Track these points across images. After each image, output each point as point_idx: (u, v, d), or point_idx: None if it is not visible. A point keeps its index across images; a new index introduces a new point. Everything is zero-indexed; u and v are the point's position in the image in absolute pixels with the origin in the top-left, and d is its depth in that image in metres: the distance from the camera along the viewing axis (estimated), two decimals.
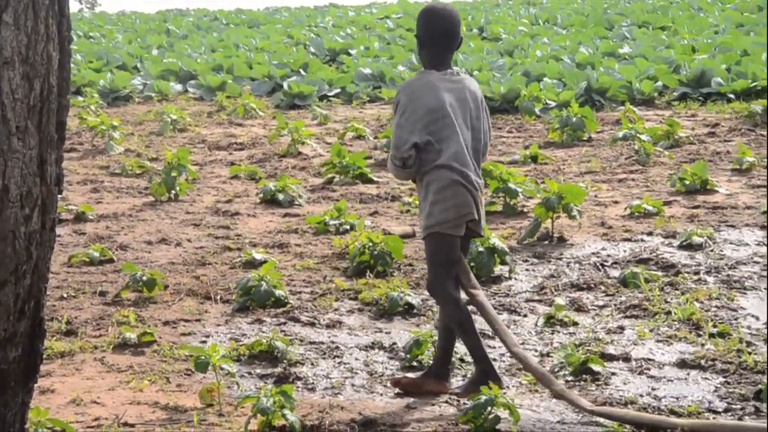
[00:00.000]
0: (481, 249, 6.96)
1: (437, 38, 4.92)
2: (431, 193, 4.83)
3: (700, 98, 16.00)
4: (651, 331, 5.86)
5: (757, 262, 7.19)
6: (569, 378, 5.21)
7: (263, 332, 5.99)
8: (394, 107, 4.91)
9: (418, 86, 4.88)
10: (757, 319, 6.03)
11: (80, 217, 9.07)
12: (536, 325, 6.09)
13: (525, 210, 8.90)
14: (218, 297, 6.74)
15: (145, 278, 6.72)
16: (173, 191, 9.89)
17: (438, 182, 4.81)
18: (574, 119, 12.54)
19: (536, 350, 5.68)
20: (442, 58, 4.93)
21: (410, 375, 5.22)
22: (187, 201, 9.88)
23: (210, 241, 8.31)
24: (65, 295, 6.80)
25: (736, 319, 6.01)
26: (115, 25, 34.06)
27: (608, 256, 7.51)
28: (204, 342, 5.87)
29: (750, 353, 5.42)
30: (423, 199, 4.89)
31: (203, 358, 5.06)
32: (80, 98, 17.10)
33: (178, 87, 19.31)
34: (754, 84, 15.97)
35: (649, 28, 25.41)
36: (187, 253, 7.96)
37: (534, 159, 11.29)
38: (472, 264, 6.94)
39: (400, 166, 4.84)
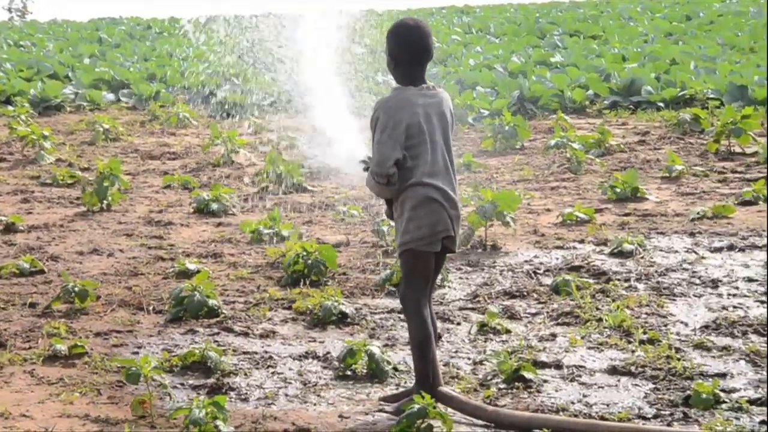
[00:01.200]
0: None
1: (411, 54, 4.89)
2: (407, 210, 4.81)
3: (631, 107, 16.20)
4: (582, 338, 5.91)
5: (686, 269, 7.29)
6: (502, 386, 5.24)
7: (196, 343, 5.95)
8: (372, 124, 4.86)
9: (395, 103, 4.84)
10: (686, 325, 6.11)
11: (10, 228, 8.95)
12: (469, 333, 6.11)
13: None
14: (151, 308, 6.68)
15: (76, 289, 6.65)
16: (105, 201, 9.80)
17: (413, 199, 4.80)
18: (507, 127, 12.64)
19: (469, 358, 5.71)
20: (417, 74, 4.91)
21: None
22: (120, 211, 9.79)
23: (143, 252, 8.25)
24: None
25: (665, 326, 6.09)
26: (46, 33, 33.65)
27: (541, 263, 7.58)
28: (136, 353, 5.82)
29: (679, 359, 5.49)
30: (399, 216, 4.87)
31: (135, 369, 5.02)
32: (10, 108, 16.88)
33: (111, 96, 19.14)
34: (683, 92, 16.20)
35: (580, 37, 25.68)
36: (120, 263, 7.89)
37: (467, 167, 11.35)
38: None
39: (384, 184, 4.81)
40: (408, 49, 4.88)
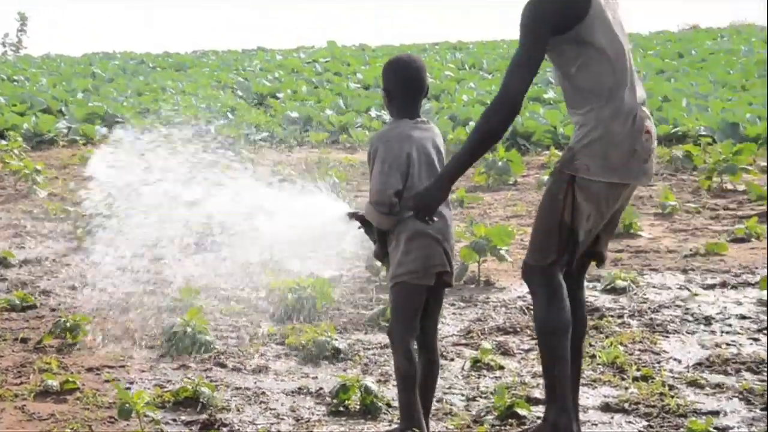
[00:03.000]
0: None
1: (407, 89, 4.90)
2: (402, 242, 4.82)
3: None
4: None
5: (679, 306, 7.30)
6: (495, 422, 5.22)
7: (188, 378, 5.93)
8: (371, 157, 4.85)
9: (393, 136, 4.86)
10: (679, 362, 6.11)
11: (2, 263, 8.93)
12: (463, 369, 6.10)
13: None
14: (143, 342, 6.66)
15: (68, 324, 6.63)
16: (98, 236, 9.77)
17: (408, 232, 4.80)
18: (500, 163, 12.68)
19: (463, 394, 5.69)
20: (412, 108, 4.93)
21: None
22: (112, 245, 9.76)
23: (135, 286, 8.23)
24: None
25: (658, 363, 6.09)
26: (39, 68, 33.72)
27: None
28: (128, 388, 5.79)
29: (673, 396, 5.48)
30: (394, 248, 4.86)
31: (127, 405, 5.00)
32: (3, 142, 16.89)
33: (104, 130, 19.16)
34: (676, 129, 16.26)
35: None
36: (112, 298, 7.87)
37: (460, 202, 11.36)
38: None
39: (386, 213, 4.81)
40: (403, 84, 4.91)
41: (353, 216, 4.96)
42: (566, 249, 4.48)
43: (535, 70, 4.42)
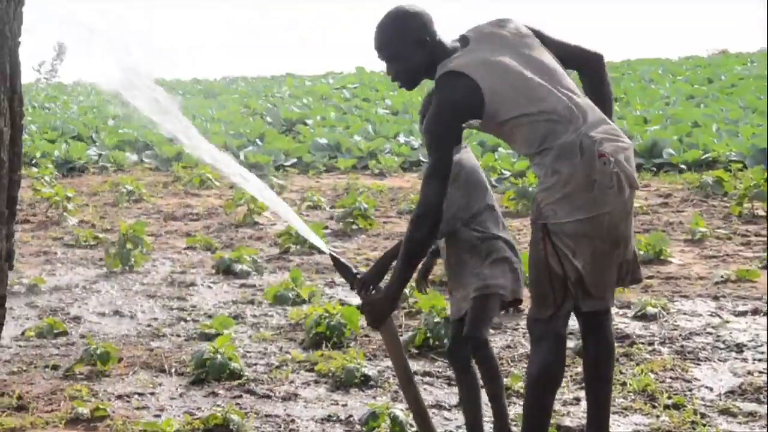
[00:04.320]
0: (437, 319, 6.96)
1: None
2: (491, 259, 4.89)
3: (653, 168, 16.19)
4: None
5: (710, 333, 7.24)
6: None
7: (218, 405, 5.93)
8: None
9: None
10: (711, 390, 6.05)
11: (32, 290, 8.99)
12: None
13: None
14: (173, 370, 6.67)
15: (98, 351, 6.65)
16: (128, 263, 9.83)
17: (498, 252, 4.88)
18: (530, 189, 12.65)
19: (493, 423, 5.65)
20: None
21: None
22: (142, 272, 9.82)
23: (165, 313, 8.25)
24: (16, 369, 6.70)
25: (690, 391, 6.04)
26: (70, 95, 34.01)
27: None
28: (158, 416, 5.80)
29: (705, 425, 5.43)
30: (479, 262, 4.91)
31: None
32: (34, 169, 17.02)
33: (134, 157, 19.29)
34: (706, 155, 16.21)
35: None
36: (142, 325, 7.90)
37: None
38: (428, 335, 6.95)
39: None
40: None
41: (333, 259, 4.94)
42: (564, 298, 4.44)
43: (446, 171, 4.38)
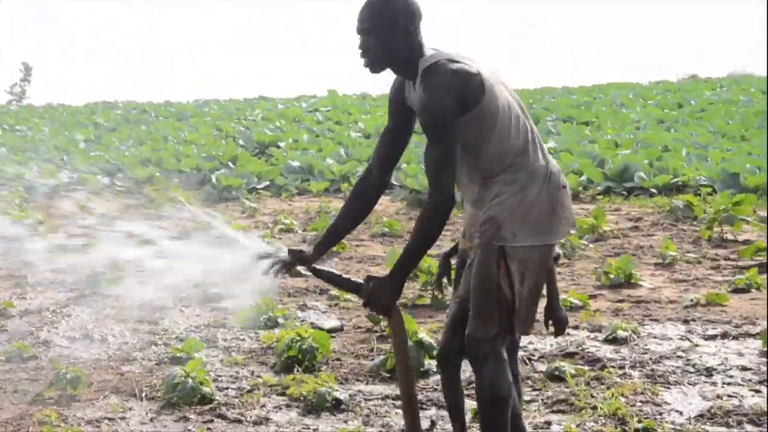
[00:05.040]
0: (409, 343, 6.96)
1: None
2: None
3: (624, 192, 16.29)
4: (578, 426, 5.88)
5: (680, 357, 7.28)
6: None
7: (189, 430, 5.91)
8: None
9: None
10: (681, 414, 6.08)
11: (2, 313, 8.93)
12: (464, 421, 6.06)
13: None
14: (143, 394, 6.64)
15: (68, 375, 6.61)
16: (99, 287, 9.79)
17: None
18: None
19: None
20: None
21: None
22: (113, 296, 9.78)
23: (135, 336, 8.22)
24: None
25: (660, 414, 6.06)
26: (41, 117, 33.88)
27: (535, 350, 7.56)
28: None
29: None
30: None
31: None
32: (5, 192, 16.94)
33: (105, 180, 19.23)
34: (675, 179, 16.32)
35: (573, 123, 25.91)
36: (112, 348, 7.86)
37: None
38: None
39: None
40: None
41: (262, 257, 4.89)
42: (509, 320, 4.48)
43: (455, 159, 4.36)
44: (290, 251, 4.77)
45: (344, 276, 4.76)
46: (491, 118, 4.39)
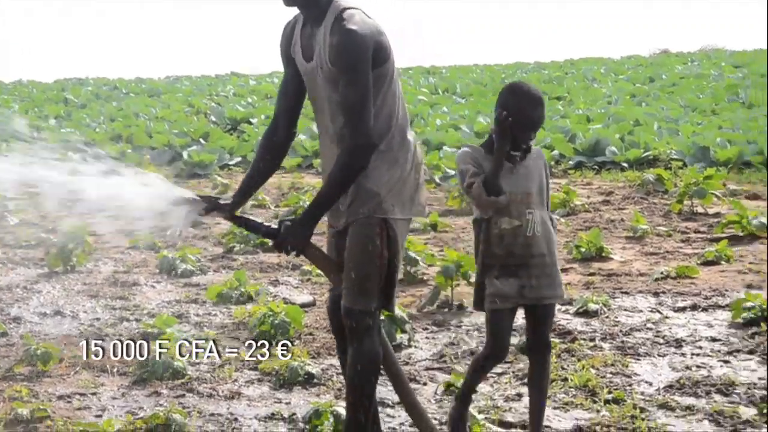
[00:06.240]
0: (381, 318, 6.97)
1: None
2: None
3: (595, 167, 16.34)
4: (549, 398, 5.91)
5: (650, 329, 7.33)
6: None
7: (161, 405, 5.91)
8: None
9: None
10: (651, 385, 6.13)
11: None
12: (436, 393, 6.10)
13: (425, 278, 8.96)
14: (115, 369, 6.63)
15: (39, 351, 6.59)
16: (69, 263, 9.75)
17: None
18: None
19: (436, 418, 5.68)
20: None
21: None
22: (84, 272, 9.75)
23: (107, 312, 8.20)
24: None
25: (630, 386, 6.11)
26: (11, 94, 33.62)
27: None
28: (99, 416, 5.77)
29: (644, 419, 5.50)
30: None
31: None
32: None
33: (76, 157, 19.13)
34: (647, 153, 16.38)
35: (545, 98, 25.96)
36: (84, 325, 7.84)
37: (434, 227, 11.38)
38: None
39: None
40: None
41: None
42: (387, 291, 4.53)
43: (371, 101, 4.34)
44: (203, 197, 4.83)
45: (259, 222, 4.79)
46: (386, 83, 4.42)
